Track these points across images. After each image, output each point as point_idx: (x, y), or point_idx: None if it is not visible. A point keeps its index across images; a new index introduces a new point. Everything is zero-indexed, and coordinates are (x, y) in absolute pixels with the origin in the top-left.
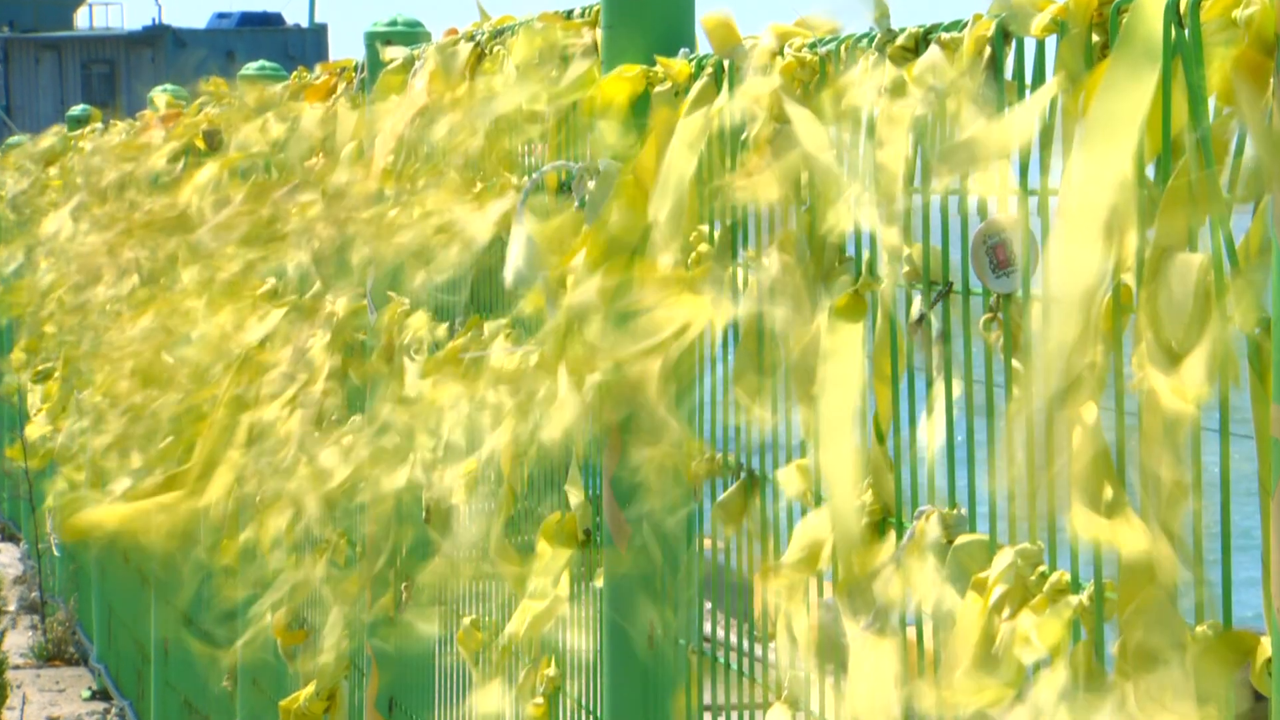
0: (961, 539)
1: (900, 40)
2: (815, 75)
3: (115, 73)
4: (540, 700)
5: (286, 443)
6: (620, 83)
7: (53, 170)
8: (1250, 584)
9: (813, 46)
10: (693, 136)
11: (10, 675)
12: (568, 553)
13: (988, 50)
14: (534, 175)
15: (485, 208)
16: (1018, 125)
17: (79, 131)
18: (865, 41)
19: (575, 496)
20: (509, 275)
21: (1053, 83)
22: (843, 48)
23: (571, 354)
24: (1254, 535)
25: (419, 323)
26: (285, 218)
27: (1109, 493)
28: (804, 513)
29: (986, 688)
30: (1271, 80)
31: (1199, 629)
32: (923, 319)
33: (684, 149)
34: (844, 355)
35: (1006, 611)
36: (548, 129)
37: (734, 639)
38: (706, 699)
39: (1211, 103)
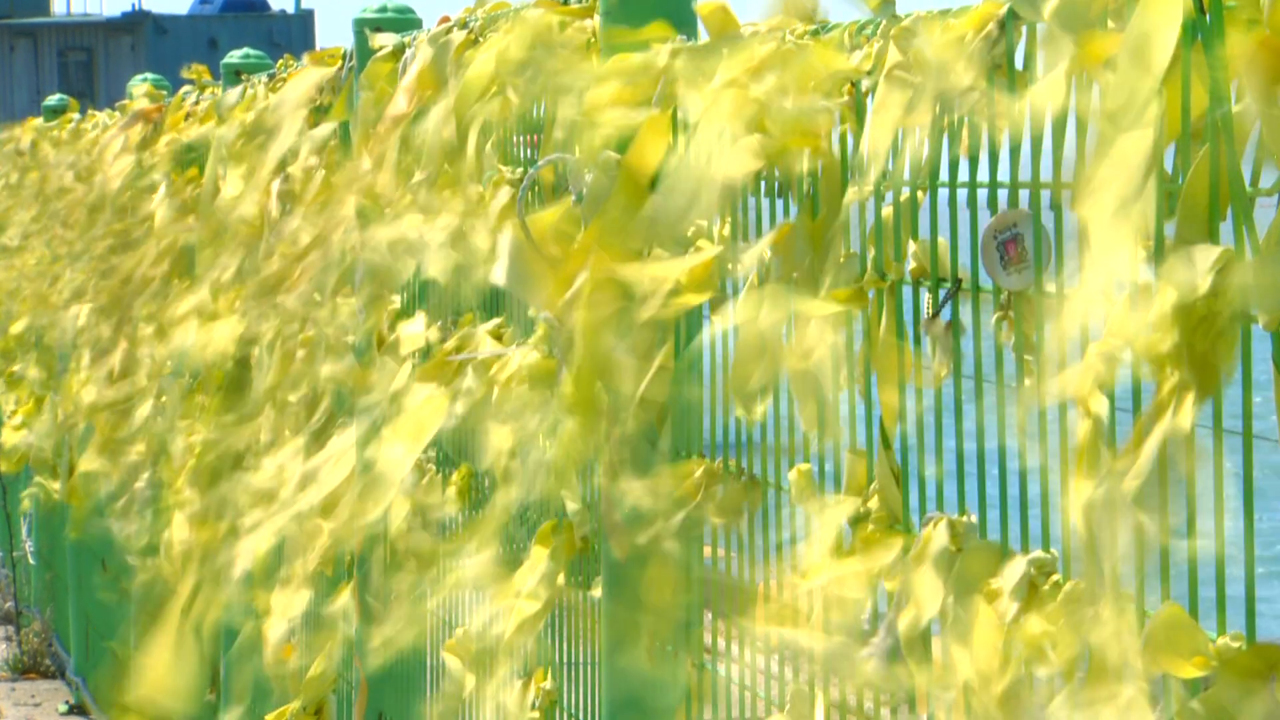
0: (971, 545)
1: (905, 24)
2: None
3: (93, 61)
4: (536, 714)
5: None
6: (616, 72)
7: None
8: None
9: (815, 33)
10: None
11: None
12: (562, 557)
13: (994, 31)
14: (530, 171)
15: (482, 204)
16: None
17: (55, 122)
18: (870, 28)
19: (572, 502)
20: (499, 275)
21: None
22: (846, 34)
23: (571, 356)
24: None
25: (411, 324)
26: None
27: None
28: (806, 518)
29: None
30: None
31: (1222, 641)
32: (932, 319)
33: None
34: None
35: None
36: (543, 121)
37: (735, 650)
38: (707, 714)
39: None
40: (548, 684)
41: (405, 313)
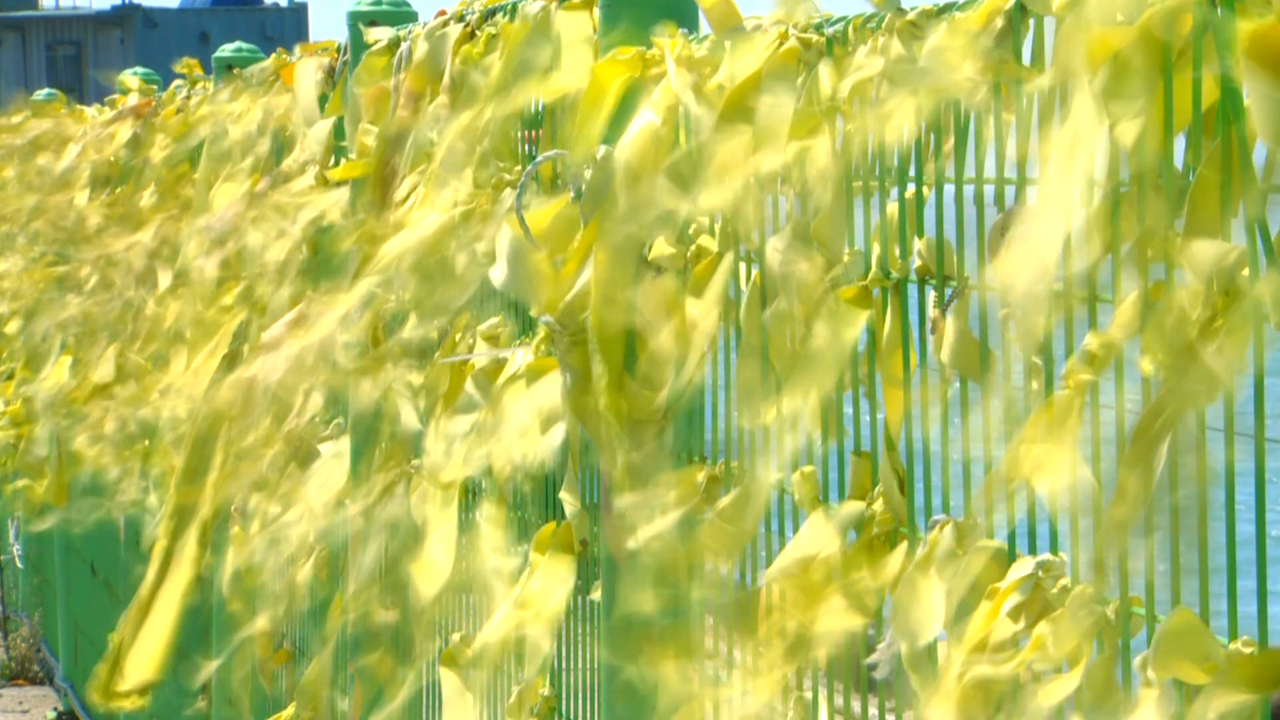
0: (976, 546)
1: (910, 16)
2: (821, 57)
3: (82, 55)
4: None
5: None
6: (615, 66)
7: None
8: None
9: (819, 27)
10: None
11: None
12: (564, 564)
13: (1000, 22)
14: (528, 167)
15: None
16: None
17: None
18: (875, 22)
19: (571, 505)
20: (498, 277)
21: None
22: (850, 28)
23: (572, 359)
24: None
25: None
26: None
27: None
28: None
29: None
30: None
31: (1233, 646)
32: (936, 318)
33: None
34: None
35: (1021, 623)
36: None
37: (737, 654)
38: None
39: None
40: (546, 690)
41: (401, 313)
